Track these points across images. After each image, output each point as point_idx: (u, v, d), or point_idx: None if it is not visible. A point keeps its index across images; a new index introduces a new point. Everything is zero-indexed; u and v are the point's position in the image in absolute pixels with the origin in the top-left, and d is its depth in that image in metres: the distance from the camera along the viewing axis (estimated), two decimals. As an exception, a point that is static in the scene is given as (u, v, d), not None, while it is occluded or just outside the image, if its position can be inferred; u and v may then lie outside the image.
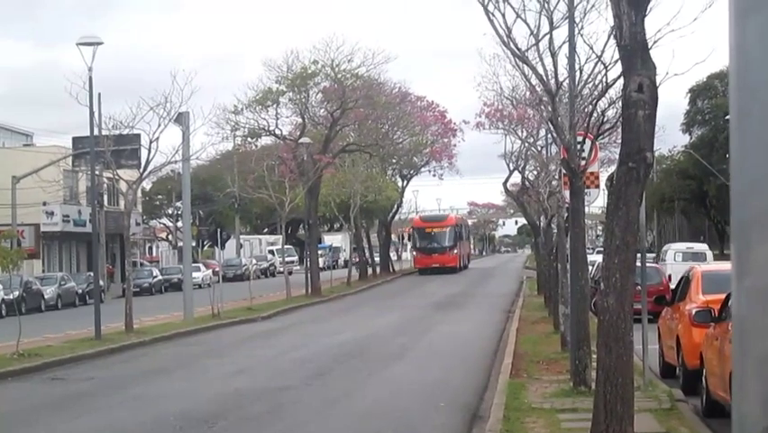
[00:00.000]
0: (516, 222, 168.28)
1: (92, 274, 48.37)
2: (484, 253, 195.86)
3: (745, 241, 2.38)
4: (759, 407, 2.32)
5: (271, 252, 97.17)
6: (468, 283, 65.56)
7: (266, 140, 64.99)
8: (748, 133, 2.38)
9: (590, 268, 27.10)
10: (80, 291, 57.62)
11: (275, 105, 59.46)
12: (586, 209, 19.12)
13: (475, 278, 73.10)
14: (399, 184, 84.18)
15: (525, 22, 17.62)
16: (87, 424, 16.74)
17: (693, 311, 17.08)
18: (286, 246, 66.13)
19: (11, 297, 42.40)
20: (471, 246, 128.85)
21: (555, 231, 30.18)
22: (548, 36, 18.16)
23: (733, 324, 2.52)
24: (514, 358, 22.44)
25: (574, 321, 18.14)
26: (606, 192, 13.21)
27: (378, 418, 16.38)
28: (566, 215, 21.58)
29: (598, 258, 27.63)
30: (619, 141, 11.11)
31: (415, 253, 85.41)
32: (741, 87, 2.40)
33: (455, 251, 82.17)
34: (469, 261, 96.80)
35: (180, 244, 69.74)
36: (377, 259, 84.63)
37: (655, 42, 14.36)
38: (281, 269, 64.48)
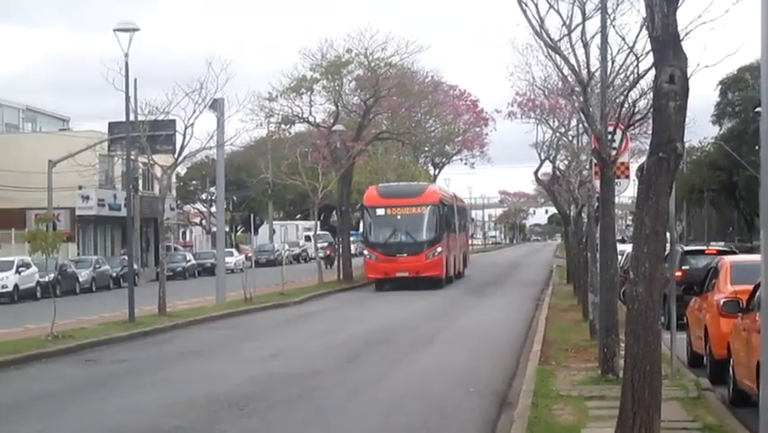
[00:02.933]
0: (547, 211, 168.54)
1: (126, 258, 48.86)
2: (515, 242, 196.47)
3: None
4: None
5: (308, 237, 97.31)
6: (496, 273, 65.50)
7: (299, 127, 65.24)
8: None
9: (620, 257, 27.15)
10: (114, 275, 58.26)
11: (309, 93, 59.64)
12: (616, 199, 19.20)
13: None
14: (431, 172, 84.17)
15: (557, 12, 17.71)
16: (119, 405, 16.95)
17: (722, 301, 17.16)
18: (322, 232, 66.03)
19: (46, 279, 42.99)
20: (470, 237, 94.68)
21: (585, 220, 30.26)
22: (581, 27, 18.26)
23: (761, 312, 2.66)
24: (543, 345, 22.55)
25: (603, 310, 18.26)
26: (636, 182, 13.30)
27: (408, 401, 16.55)
28: (596, 204, 21.68)
29: (628, 247, 27.71)
30: (650, 131, 11.20)
31: (366, 251, 51.80)
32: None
33: (438, 249, 49.58)
34: (466, 263, 62.55)
35: (214, 228, 70.14)
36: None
37: (687, 34, 14.41)
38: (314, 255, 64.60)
